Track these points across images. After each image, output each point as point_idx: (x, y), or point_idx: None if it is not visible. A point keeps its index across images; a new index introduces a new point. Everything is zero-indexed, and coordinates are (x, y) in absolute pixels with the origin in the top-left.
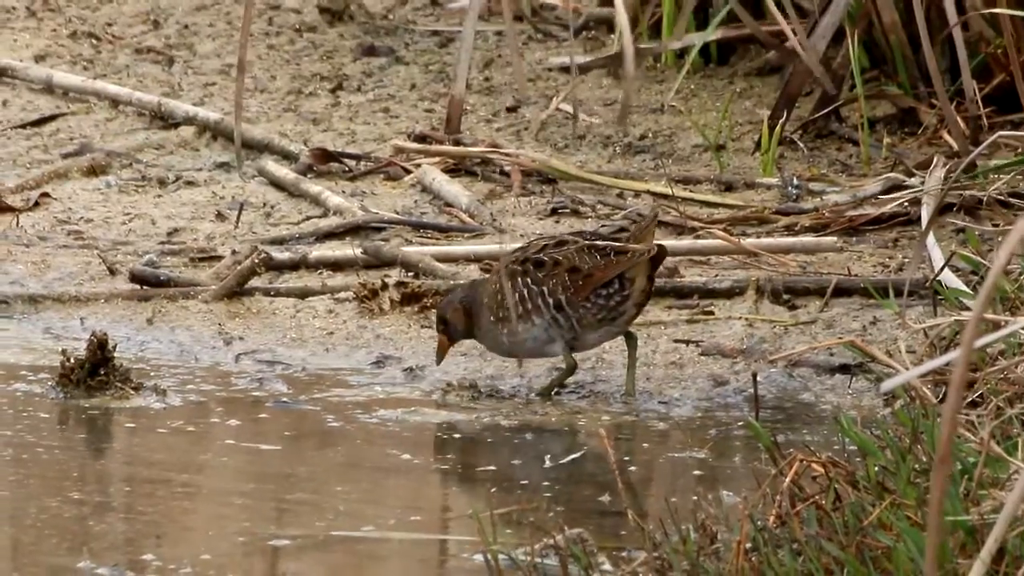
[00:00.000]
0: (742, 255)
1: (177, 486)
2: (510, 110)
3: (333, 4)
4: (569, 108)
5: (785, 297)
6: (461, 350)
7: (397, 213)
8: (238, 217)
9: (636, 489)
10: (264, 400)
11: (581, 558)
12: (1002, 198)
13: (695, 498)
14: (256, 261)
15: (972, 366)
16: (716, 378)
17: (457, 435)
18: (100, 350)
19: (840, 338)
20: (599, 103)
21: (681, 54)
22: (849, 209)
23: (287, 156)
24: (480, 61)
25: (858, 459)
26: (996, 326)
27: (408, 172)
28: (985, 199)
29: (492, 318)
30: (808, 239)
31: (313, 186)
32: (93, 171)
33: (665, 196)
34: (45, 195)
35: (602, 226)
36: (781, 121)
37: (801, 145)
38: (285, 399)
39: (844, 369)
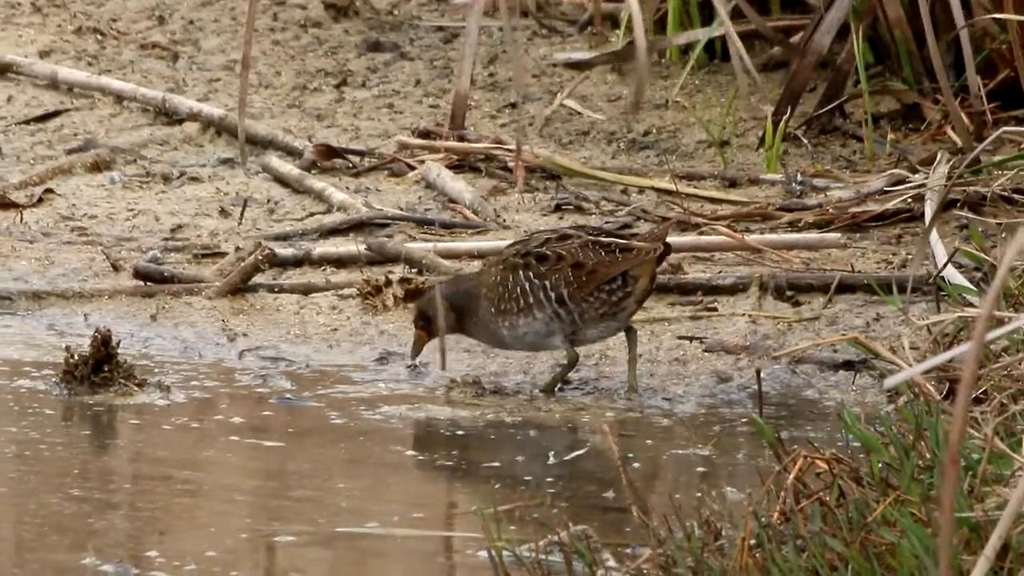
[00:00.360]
0: (746, 251)
1: (181, 482)
2: (514, 106)
3: (338, 0)
4: (573, 104)
5: (789, 293)
6: (464, 347)
7: (401, 209)
8: (242, 213)
9: (640, 485)
10: (268, 396)
11: (585, 555)
12: (1006, 194)
13: (699, 494)
14: (260, 257)
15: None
16: (720, 374)
17: (461, 431)
18: (104, 346)
19: (844, 334)
20: (603, 99)
21: (685, 50)
22: (853, 205)
23: (291, 152)
24: (484, 57)
25: (862, 455)
26: (1000, 322)
27: (412, 168)
28: (989, 195)
29: (493, 310)
30: (812, 235)
31: (317, 182)
32: (97, 167)
33: (669, 192)
34: (49, 191)
35: (606, 222)
36: (785, 117)
37: (805, 141)
38: (289, 395)
39: (848, 365)
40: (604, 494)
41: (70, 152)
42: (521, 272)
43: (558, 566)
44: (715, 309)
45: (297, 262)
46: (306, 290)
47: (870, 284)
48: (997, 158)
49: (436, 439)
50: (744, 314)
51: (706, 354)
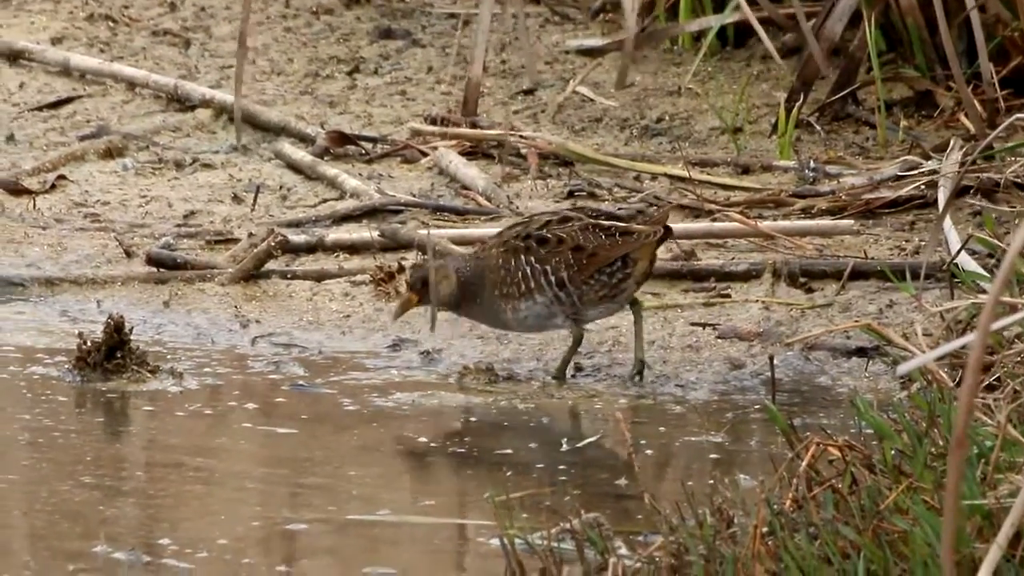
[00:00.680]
0: (759, 238)
1: (193, 469)
2: (527, 92)
3: None
4: (586, 91)
5: (802, 280)
6: (477, 333)
7: (414, 196)
8: (255, 200)
9: (652, 473)
10: (280, 383)
11: (597, 542)
12: (1019, 181)
13: (712, 482)
14: (273, 244)
15: (989, 349)
16: (733, 361)
17: (473, 418)
18: (117, 333)
19: (857, 321)
20: (616, 86)
21: (698, 37)
22: (866, 192)
23: (304, 139)
24: (497, 44)
25: (875, 442)
26: (1013, 309)
27: (425, 155)
28: (1002, 182)
29: (496, 293)
30: (825, 222)
31: (330, 169)
32: (110, 153)
33: (682, 179)
34: (62, 177)
35: (619, 208)
36: (798, 104)
37: (818, 128)
38: (301, 382)
39: (861, 352)
40: (616, 481)
41: (83, 138)
42: (523, 256)
43: (570, 554)
44: (728, 296)
45: (310, 248)
46: (319, 276)
47: (883, 271)
48: (1010, 144)
49: (448, 426)
50: (757, 301)
51: (719, 341)
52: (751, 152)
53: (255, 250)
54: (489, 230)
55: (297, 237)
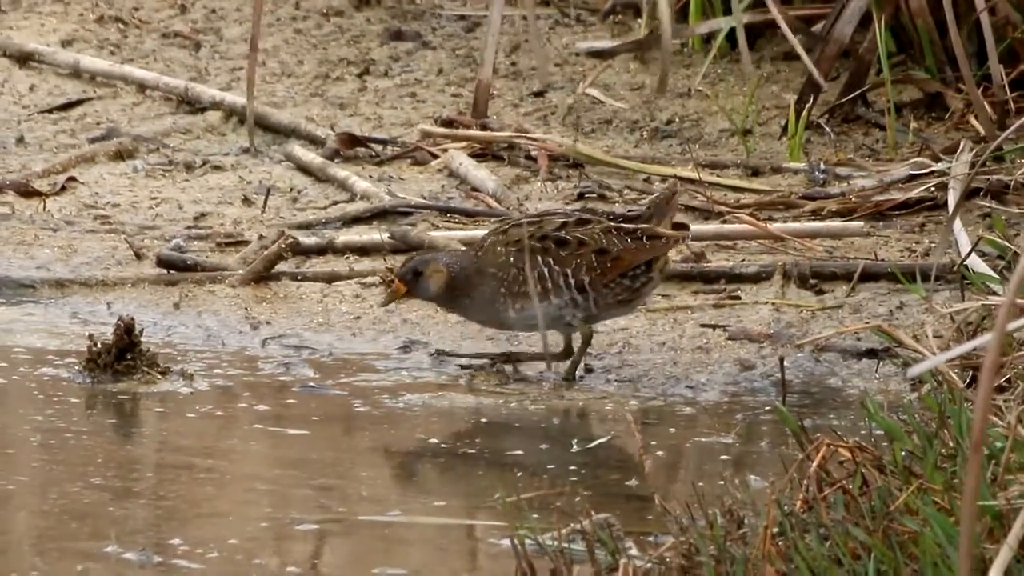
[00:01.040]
0: (769, 240)
1: (204, 471)
2: (537, 94)
3: None
4: (596, 93)
5: (812, 282)
6: (488, 334)
7: (424, 198)
8: (265, 202)
9: (663, 473)
10: (291, 385)
11: (608, 543)
12: None
13: (722, 483)
14: (283, 246)
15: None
16: (743, 363)
17: (484, 420)
18: (127, 335)
19: (867, 323)
20: (626, 88)
21: (708, 39)
22: (876, 194)
23: (314, 141)
24: (507, 45)
25: (885, 444)
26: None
27: (435, 157)
28: (1012, 183)
29: (503, 291)
30: (835, 224)
31: (340, 171)
32: (120, 155)
33: (692, 181)
34: (72, 179)
35: (629, 211)
36: (808, 106)
37: (828, 130)
38: (312, 384)
39: (871, 354)
40: (627, 482)
41: (93, 141)
42: (540, 257)
43: (581, 555)
44: (738, 297)
45: (320, 250)
46: (329, 278)
47: (893, 272)
48: (1020, 146)
49: (459, 427)
50: (767, 302)
51: (729, 342)
52: (761, 154)
53: (265, 252)
54: None
55: (307, 239)
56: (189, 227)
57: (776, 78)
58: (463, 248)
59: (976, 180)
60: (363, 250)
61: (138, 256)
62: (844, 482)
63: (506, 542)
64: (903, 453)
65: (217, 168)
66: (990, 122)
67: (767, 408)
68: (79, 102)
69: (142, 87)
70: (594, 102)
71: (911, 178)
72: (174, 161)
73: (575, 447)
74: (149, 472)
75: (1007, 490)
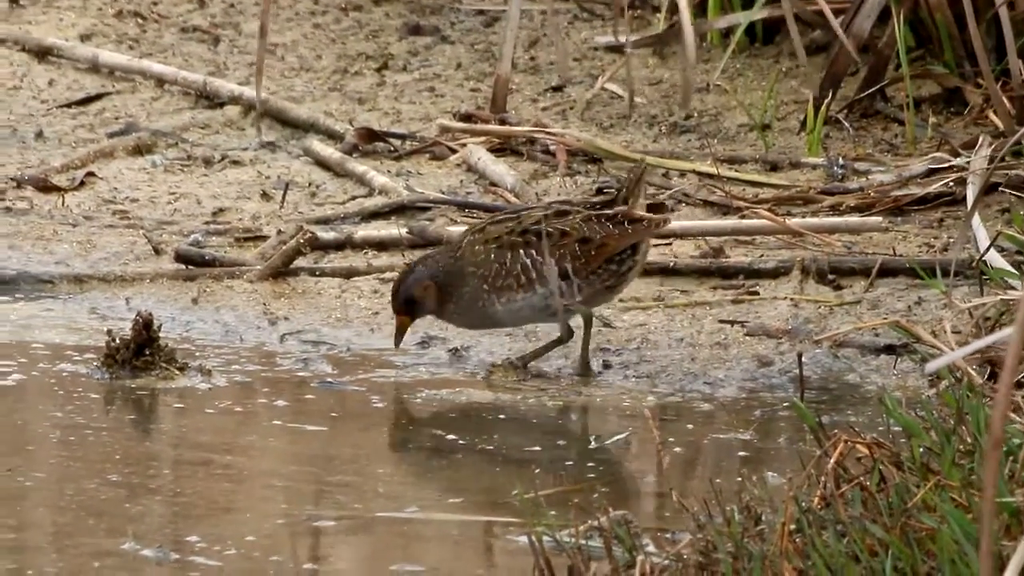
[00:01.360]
0: (787, 235)
1: (222, 467)
2: (556, 89)
3: None
4: (615, 87)
5: (830, 277)
6: (506, 331)
7: (442, 193)
8: (283, 197)
9: (681, 470)
10: (309, 381)
11: (626, 540)
12: None
13: (740, 479)
14: (301, 241)
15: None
16: (761, 359)
17: (502, 416)
18: (145, 330)
19: (885, 318)
20: (645, 82)
21: (726, 33)
22: (894, 189)
23: (332, 135)
24: (526, 40)
25: (903, 440)
26: None
27: (453, 152)
28: None
29: (486, 287)
30: (853, 219)
31: (359, 166)
32: (139, 150)
33: (710, 176)
34: (91, 174)
35: (602, 190)
36: (827, 101)
37: (847, 125)
38: (330, 380)
39: (889, 349)
40: (645, 479)
41: (111, 135)
42: (522, 251)
43: (598, 551)
44: (757, 293)
45: (339, 245)
46: (348, 274)
47: (912, 268)
48: None
49: (477, 423)
50: (786, 298)
51: (747, 338)
52: (780, 149)
53: (284, 247)
54: None
55: (326, 234)
56: (207, 222)
57: (795, 73)
58: (438, 252)
59: (995, 175)
60: (381, 245)
61: (156, 251)
62: (862, 479)
63: (523, 539)
64: (921, 449)
65: (236, 163)
66: (1009, 117)
67: (785, 404)
68: (98, 97)
69: (161, 82)
70: (613, 97)
71: (930, 173)
72: (192, 156)
73: (593, 443)
74: (166, 468)
75: None
